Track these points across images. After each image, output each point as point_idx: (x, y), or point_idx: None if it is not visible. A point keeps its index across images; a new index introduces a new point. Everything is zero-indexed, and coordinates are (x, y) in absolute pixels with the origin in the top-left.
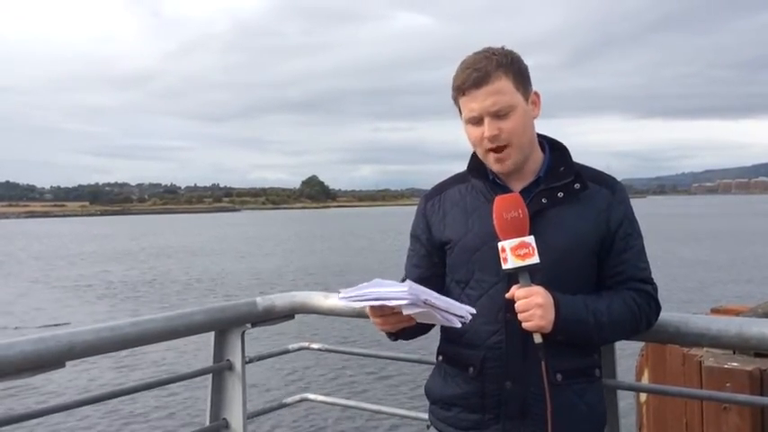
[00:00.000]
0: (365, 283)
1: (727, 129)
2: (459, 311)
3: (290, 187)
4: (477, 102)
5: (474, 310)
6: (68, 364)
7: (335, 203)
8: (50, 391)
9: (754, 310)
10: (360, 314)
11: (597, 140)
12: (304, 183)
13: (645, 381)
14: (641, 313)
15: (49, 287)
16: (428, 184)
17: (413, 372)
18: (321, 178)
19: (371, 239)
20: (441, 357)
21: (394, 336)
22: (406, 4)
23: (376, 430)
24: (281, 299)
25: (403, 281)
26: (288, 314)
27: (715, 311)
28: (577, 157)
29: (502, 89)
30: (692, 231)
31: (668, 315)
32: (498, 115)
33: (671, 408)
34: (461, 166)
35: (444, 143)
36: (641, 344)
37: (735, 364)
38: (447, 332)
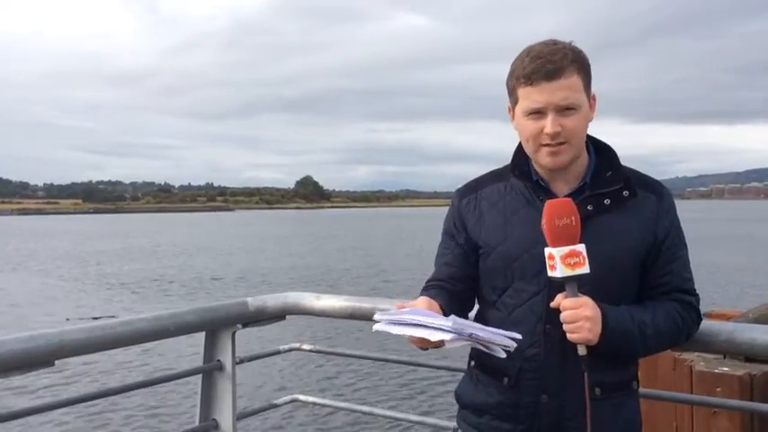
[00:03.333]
0: (406, 309)
1: (722, 134)
2: (503, 341)
3: (285, 187)
4: (545, 95)
5: (520, 336)
6: (58, 362)
7: (329, 204)
8: (39, 389)
9: (746, 315)
10: (351, 315)
11: None
12: (298, 183)
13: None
14: (684, 325)
15: (88, 284)
16: (423, 185)
17: (403, 373)
18: (316, 178)
19: (364, 240)
20: (473, 363)
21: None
22: (405, 4)
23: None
24: (272, 299)
25: (432, 281)
26: (279, 315)
27: (707, 316)
28: None
29: (573, 86)
30: (691, 236)
31: None
32: (563, 111)
33: (661, 412)
34: (457, 168)
35: (440, 145)
36: None
37: (725, 368)
38: None
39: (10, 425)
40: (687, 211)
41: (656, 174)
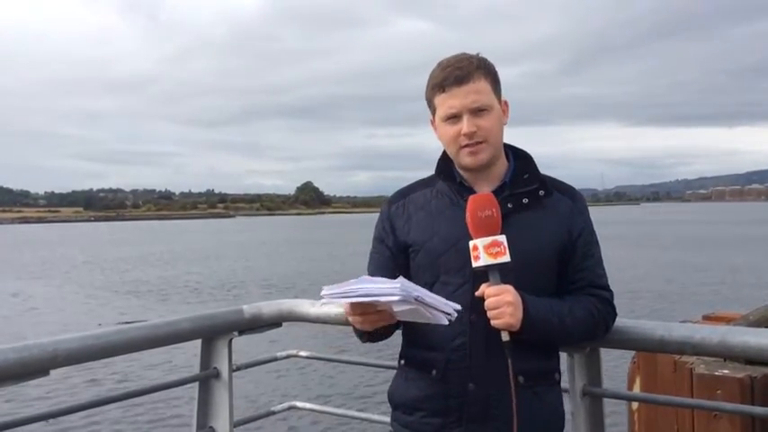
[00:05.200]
0: (352, 280)
1: (722, 136)
2: (445, 308)
3: (285, 193)
4: (457, 99)
5: (459, 307)
6: (53, 372)
7: (330, 209)
8: (34, 399)
9: (746, 317)
10: (347, 322)
11: (593, 147)
12: (299, 189)
13: (637, 389)
14: (600, 318)
15: (114, 291)
16: None
17: None
18: (316, 184)
19: (363, 246)
20: (403, 361)
21: (367, 335)
22: (406, 9)
23: None
24: (267, 306)
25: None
26: (275, 322)
27: (707, 318)
28: (572, 164)
29: (482, 89)
30: (693, 237)
31: (653, 323)
32: (477, 113)
33: (662, 416)
34: None
35: (440, 149)
36: (632, 352)
37: (725, 371)
38: (409, 335)
39: None
40: (688, 214)
41: (656, 176)
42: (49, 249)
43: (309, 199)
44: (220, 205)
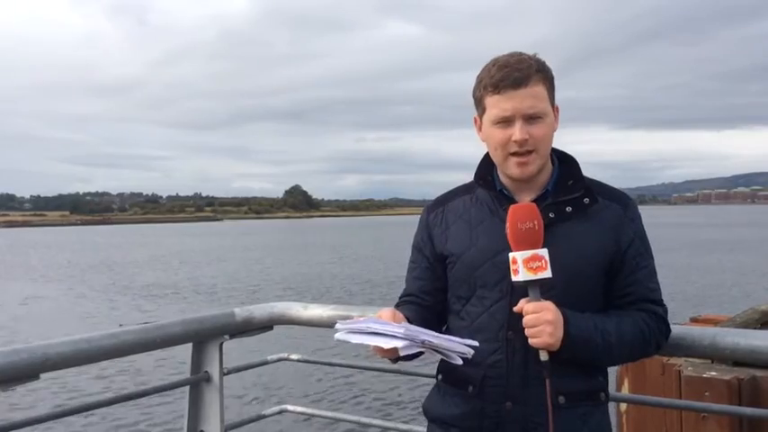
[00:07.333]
0: (361, 318)
1: (710, 140)
2: (459, 348)
3: (274, 197)
4: (513, 102)
5: (477, 344)
6: (43, 376)
7: (318, 213)
8: (23, 403)
9: (733, 319)
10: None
11: (581, 151)
12: (287, 192)
13: (625, 390)
14: (651, 335)
15: (130, 293)
16: (412, 193)
17: (392, 382)
18: (305, 188)
19: (352, 249)
20: (440, 376)
21: (397, 358)
22: (396, 13)
23: None
24: (259, 310)
25: (403, 297)
26: (266, 325)
27: (694, 321)
28: None
29: (539, 94)
30: (678, 240)
31: None
32: (531, 120)
33: (651, 417)
34: (445, 176)
35: (429, 152)
36: None
37: (713, 373)
38: None
39: None
40: (675, 217)
41: (643, 180)
42: (50, 253)
43: (298, 202)
44: (208, 209)
